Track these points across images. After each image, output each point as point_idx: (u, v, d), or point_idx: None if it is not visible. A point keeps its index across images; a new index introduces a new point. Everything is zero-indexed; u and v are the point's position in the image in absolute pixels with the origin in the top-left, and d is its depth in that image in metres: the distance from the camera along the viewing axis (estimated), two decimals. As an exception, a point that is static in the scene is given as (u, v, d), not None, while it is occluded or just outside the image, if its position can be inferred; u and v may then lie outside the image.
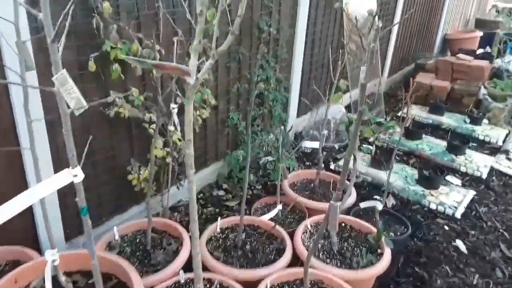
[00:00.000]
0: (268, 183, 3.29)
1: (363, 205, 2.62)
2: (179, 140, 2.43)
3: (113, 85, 2.10)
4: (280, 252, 2.07)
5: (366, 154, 3.89)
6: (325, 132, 4.56)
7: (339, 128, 4.34)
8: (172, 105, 2.38)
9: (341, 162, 3.69)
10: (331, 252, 2.10)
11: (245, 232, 2.22)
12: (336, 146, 4.16)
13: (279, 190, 2.51)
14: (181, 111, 2.47)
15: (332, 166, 3.64)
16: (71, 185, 2.16)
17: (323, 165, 2.74)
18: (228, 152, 3.19)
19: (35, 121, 1.55)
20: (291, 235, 2.17)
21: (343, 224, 2.34)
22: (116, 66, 2.01)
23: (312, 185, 2.84)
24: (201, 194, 3.10)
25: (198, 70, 1.18)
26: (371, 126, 4.46)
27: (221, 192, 3.16)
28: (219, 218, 2.23)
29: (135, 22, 2.10)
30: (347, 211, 2.61)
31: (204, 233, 2.14)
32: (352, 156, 1.75)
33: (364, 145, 4.09)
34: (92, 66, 1.94)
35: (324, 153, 3.99)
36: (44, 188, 1.30)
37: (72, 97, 1.18)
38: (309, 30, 3.65)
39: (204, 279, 1.84)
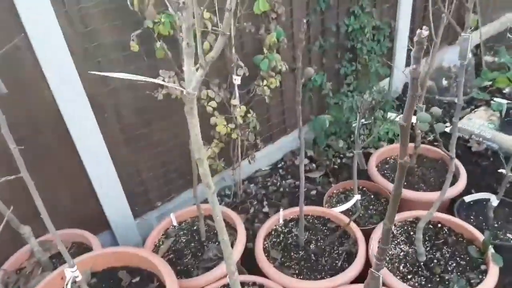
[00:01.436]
0: (362, 150, 2.85)
1: (468, 198, 2.05)
2: (242, 117, 2.16)
3: (163, 64, 1.89)
4: (351, 257, 1.75)
5: (496, 111, 3.07)
6: (444, 82, 3.75)
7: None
8: (234, 76, 2.10)
9: (461, 124, 2.97)
10: (416, 265, 1.69)
11: (311, 228, 1.93)
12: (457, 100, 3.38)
13: (356, 171, 2.05)
14: (244, 83, 2.18)
15: (447, 129, 2.96)
16: (135, 164, 2.16)
17: (421, 137, 2.16)
18: (312, 117, 2.81)
19: None
20: (368, 234, 1.81)
21: (438, 225, 1.86)
22: (160, 43, 1.78)
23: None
24: (282, 163, 2.85)
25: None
26: (508, 72, 3.49)
27: (305, 161, 2.86)
28: (281, 210, 1.97)
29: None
30: (450, 204, 2.09)
31: (265, 225, 1.92)
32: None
33: (495, 99, 3.22)
34: (134, 46, 1.75)
35: (440, 110, 3.28)
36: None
37: None
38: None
39: (251, 284, 1.66)
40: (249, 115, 2.28)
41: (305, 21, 1.12)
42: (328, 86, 2.72)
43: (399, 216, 1.86)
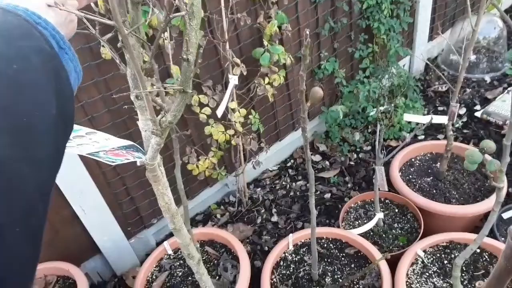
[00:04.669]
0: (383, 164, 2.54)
1: (508, 215, 1.76)
2: (240, 122, 1.86)
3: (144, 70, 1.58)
4: (373, 290, 1.49)
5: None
6: (472, 57, 3.38)
7: (494, 49, 3.09)
8: (230, 76, 1.79)
9: (493, 107, 2.61)
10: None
11: (326, 255, 1.66)
12: (487, 78, 2.99)
13: (377, 185, 1.76)
14: (242, 81, 1.87)
15: (478, 113, 2.61)
16: (122, 183, 1.90)
17: (452, 131, 1.79)
18: (324, 109, 2.49)
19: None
20: (394, 263, 1.54)
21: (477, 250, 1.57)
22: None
23: (438, 165, 1.99)
24: (291, 161, 2.57)
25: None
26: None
27: (317, 158, 2.57)
28: (290, 235, 1.70)
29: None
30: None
31: (272, 252, 1.66)
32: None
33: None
34: (106, 53, 1.45)
35: (468, 90, 2.91)
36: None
37: None
38: None
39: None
40: (250, 116, 1.99)
41: (308, 32, 0.80)
42: (341, 73, 2.38)
43: (430, 240, 1.58)
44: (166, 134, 0.70)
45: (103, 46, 1.45)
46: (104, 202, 1.77)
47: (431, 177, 1.97)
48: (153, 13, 1.14)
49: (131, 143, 0.75)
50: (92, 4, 1.31)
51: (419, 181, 1.95)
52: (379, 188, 1.68)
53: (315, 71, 2.30)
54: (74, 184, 1.65)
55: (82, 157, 1.62)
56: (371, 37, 2.42)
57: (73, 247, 1.80)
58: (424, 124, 1.85)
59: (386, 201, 1.90)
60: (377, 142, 1.57)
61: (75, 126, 0.75)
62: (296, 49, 2.12)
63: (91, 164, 1.66)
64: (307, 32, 0.80)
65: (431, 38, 2.99)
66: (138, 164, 0.79)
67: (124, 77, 1.57)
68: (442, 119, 1.80)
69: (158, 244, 2.08)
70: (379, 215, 1.72)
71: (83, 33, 1.41)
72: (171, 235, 2.12)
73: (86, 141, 0.71)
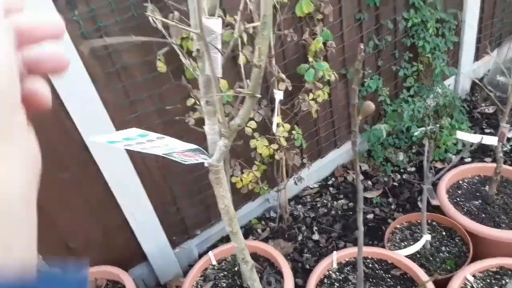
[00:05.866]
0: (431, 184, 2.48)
1: None
2: (284, 137, 1.89)
3: (195, 84, 1.67)
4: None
5: None
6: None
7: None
8: (275, 91, 1.84)
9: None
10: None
11: (372, 276, 1.62)
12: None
13: (425, 206, 1.71)
14: (287, 96, 1.91)
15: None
16: (170, 192, 1.96)
17: (501, 154, 1.73)
18: (367, 127, 2.48)
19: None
20: (442, 287, 1.48)
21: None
22: (190, 61, 1.55)
23: (486, 188, 1.92)
24: (332, 179, 2.55)
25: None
26: None
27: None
28: (334, 252, 1.68)
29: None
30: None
31: (316, 269, 1.64)
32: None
33: None
34: (161, 66, 1.54)
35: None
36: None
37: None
38: None
39: None
40: (293, 131, 2.02)
41: (362, 46, 0.83)
42: (385, 92, 2.37)
43: (479, 265, 1.52)
44: (234, 136, 0.74)
45: (159, 59, 1.54)
46: (153, 210, 1.84)
47: (480, 201, 1.90)
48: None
49: (197, 146, 0.80)
50: (151, 19, 1.41)
51: (467, 204, 1.88)
52: (427, 208, 1.64)
53: (359, 89, 2.31)
54: (128, 192, 1.72)
55: (136, 167, 1.70)
56: (416, 55, 2.41)
57: (123, 253, 1.86)
58: (472, 145, 1.80)
59: (433, 223, 1.84)
60: (425, 161, 1.54)
61: (144, 132, 0.82)
62: (340, 66, 2.15)
63: (144, 173, 1.74)
64: (362, 46, 0.83)
65: (476, 58, 2.94)
66: (206, 165, 0.83)
67: (175, 91, 1.66)
68: (492, 140, 1.75)
69: (200, 255, 2.11)
70: (426, 237, 1.67)
71: (139, 47, 1.52)
72: (213, 246, 2.15)
73: (158, 144, 0.76)
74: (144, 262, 1.99)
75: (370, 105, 0.96)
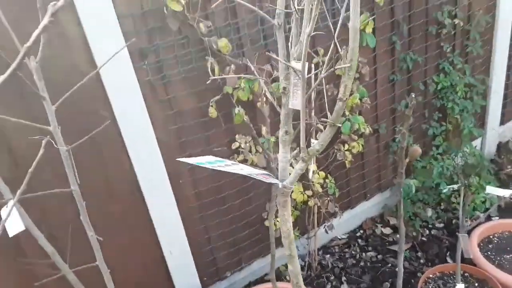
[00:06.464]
0: (453, 221, 2.51)
1: None
2: (320, 184, 1.99)
3: (240, 128, 1.81)
4: None
5: None
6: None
7: None
8: (313, 140, 1.96)
9: None
10: None
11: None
12: None
13: (460, 256, 1.75)
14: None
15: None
16: (205, 232, 2.04)
17: None
18: (396, 182, 2.55)
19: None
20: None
21: None
22: (238, 109, 1.71)
23: (517, 244, 1.95)
24: (361, 231, 2.59)
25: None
26: None
27: (387, 230, 2.57)
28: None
29: (260, 53, 1.74)
30: None
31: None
32: None
33: None
34: (213, 112, 1.70)
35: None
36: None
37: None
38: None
39: None
40: (327, 180, 2.11)
41: (413, 95, 0.96)
42: (411, 161, 2.47)
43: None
44: (311, 160, 0.85)
45: (211, 106, 1.70)
46: (189, 248, 1.91)
47: (511, 255, 1.92)
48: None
49: (267, 172, 0.92)
50: (209, 70, 1.59)
51: (498, 258, 1.91)
52: (462, 258, 1.67)
53: (389, 144, 2.42)
54: (169, 229, 1.82)
55: (179, 207, 1.80)
56: (445, 116, 2.52)
57: (155, 288, 1.91)
58: (502, 199, 1.85)
59: (465, 274, 1.86)
60: (460, 210, 1.60)
61: (220, 158, 0.96)
62: (373, 121, 2.27)
63: (184, 212, 1.83)
64: (413, 95, 0.95)
65: (502, 122, 3.03)
66: (280, 186, 0.94)
67: (222, 135, 1.79)
68: (523, 195, 1.81)
69: (227, 300, 2.13)
70: (460, 286, 1.68)
71: (195, 94, 1.68)
72: (242, 291, 2.18)
73: (236, 168, 0.88)
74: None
75: (417, 150, 1.07)
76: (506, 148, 3.12)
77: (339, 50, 0.76)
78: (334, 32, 0.75)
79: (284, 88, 0.82)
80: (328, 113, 0.85)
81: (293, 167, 1.00)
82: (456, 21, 2.27)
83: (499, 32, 2.52)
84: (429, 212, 2.57)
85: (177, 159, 1.05)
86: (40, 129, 0.97)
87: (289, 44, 0.88)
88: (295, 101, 0.83)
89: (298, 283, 0.91)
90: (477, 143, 2.96)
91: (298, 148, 0.90)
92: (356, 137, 2.02)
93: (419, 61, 2.27)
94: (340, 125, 0.80)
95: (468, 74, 2.47)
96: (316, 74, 1.74)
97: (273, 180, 0.93)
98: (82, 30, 1.38)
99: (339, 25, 0.78)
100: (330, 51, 0.76)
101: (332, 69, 0.75)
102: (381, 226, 2.59)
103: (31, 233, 1.13)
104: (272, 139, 1.79)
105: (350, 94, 2.03)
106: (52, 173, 1.40)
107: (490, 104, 2.76)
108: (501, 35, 2.54)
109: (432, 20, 2.24)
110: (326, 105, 1.77)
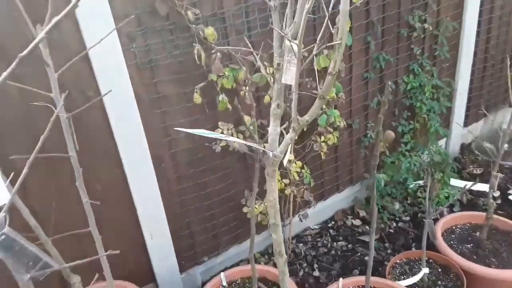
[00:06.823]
0: (419, 214, 2.67)
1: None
2: (297, 172, 2.08)
3: (222, 116, 1.88)
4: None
5: None
6: (505, 145, 3.57)
7: (527, 140, 3.28)
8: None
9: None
10: None
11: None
12: (520, 165, 3.15)
13: (425, 241, 1.89)
14: (299, 137, 2.13)
15: (511, 197, 2.75)
16: (185, 216, 2.09)
17: (494, 204, 1.98)
18: (366, 176, 2.69)
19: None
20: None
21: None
22: (222, 96, 1.78)
23: (477, 234, 2.11)
24: (332, 222, 2.70)
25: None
26: None
27: (357, 222, 2.70)
28: (340, 279, 1.81)
29: (245, 43, 1.82)
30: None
31: (320, 293, 1.76)
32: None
33: None
34: (197, 98, 1.76)
35: (501, 175, 3.06)
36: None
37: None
38: (483, 18, 2.78)
39: None
40: (303, 170, 2.21)
41: (390, 83, 1.06)
42: (385, 144, 2.61)
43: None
44: (300, 131, 0.93)
45: (196, 92, 1.76)
46: (169, 231, 1.95)
47: (471, 244, 2.08)
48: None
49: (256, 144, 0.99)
50: (196, 57, 1.65)
51: (460, 247, 2.05)
52: (427, 245, 1.80)
53: (361, 139, 2.55)
54: (149, 209, 1.86)
55: (161, 190, 1.85)
56: (413, 115, 2.68)
57: (135, 271, 1.94)
58: (462, 197, 1.98)
59: (430, 260, 2.00)
60: (427, 198, 1.73)
61: (212, 132, 1.03)
62: (347, 116, 2.39)
63: (166, 196, 1.88)
64: (390, 83, 1.05)
65: (466, 124, 3.23)
66: (271, 156, 1.01)
67: (205, 121, 1.85)
68: (484, 187, 1.97)
69: (203, 284, 2.18)
70: (425, 270, 1.81)
71: (180, 80, 1.74)
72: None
73: (223, 138, 0.96)
74: (150, 284, 2.06)
75: (391, 134, 1.17)
76: (469, 149, 3.34)
77: (331, 29, 0.85)
78: (328, 12, 0.84)
79: (278, 64, 0.90)
80: (319, 87, 0.94)
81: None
82: (426, 25, 2.43)
83: (465, 38, 2.71)
84: (397, 205, 2.72)
85: (176, 128, 1.11)
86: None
87: (283, 24, 0.96)
88: (288, 76, 0.91)
89: (280, 251, 0.99)
90: (442, 142, 3.15)
91: (288, 122, 0.98)
92: (331, 130, 2.13)
93: (391, 61, 2.41)
94: (328, 97, 0.89)
95: (435, 76, 2.64)
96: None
97: (260, 147, 1.00)
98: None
99: (331, 5, 0.86)
100: (322, 30, 0.84)
101: (324, 46, 0.84)
102: (352, 218, 2.72)
103: (16, 205, 1.15)
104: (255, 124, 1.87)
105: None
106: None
107: (455, 105, 2.95)
108: (466, 41, 2.73)
109: (404, 23, 2.39)
110: (317, 79, 1.87)
